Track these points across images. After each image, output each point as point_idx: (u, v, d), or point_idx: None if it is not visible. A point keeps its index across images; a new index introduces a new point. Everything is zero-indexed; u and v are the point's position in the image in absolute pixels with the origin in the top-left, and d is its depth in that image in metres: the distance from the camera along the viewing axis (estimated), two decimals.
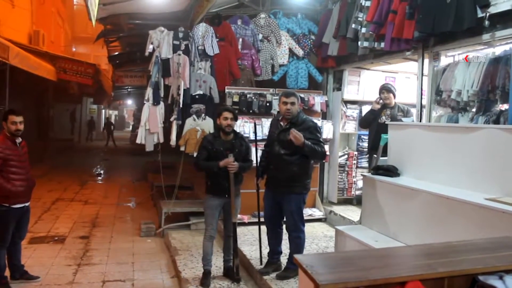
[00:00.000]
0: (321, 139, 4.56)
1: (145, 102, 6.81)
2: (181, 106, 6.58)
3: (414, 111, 5.79)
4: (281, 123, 4.63)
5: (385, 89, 5.93)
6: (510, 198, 3.24)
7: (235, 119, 4.63)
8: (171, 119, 6.70)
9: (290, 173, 4.48)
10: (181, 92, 6.51)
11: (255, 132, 5.34)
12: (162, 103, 6.83)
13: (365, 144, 7.20)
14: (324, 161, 7.11)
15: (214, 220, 4.70)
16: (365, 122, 6.43)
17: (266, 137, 5.87)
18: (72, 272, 5.23)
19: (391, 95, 5.90)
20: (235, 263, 4.77)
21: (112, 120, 32.73)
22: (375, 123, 5.99)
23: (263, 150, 4.95)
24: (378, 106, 6.05)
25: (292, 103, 4.49)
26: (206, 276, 4.69)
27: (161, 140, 6.83)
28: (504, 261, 1.88)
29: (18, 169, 4.41)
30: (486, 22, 4.32)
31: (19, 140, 4.48)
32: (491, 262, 1.87)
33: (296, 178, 4.51)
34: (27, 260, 5.25)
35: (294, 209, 4.55)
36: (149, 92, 6.75)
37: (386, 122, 5.44)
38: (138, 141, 6.90)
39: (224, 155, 4.54)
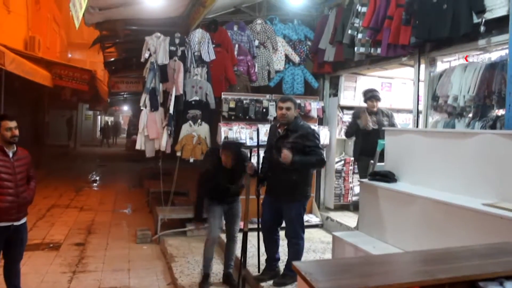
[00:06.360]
0: (319, 145, 4.53)
1: (142, 108, 6.80)
2: (171, 112, 6.55)
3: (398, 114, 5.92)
4: (279, 130, 4.60)
5: (374, 98, 5.95)
6: (507, 203, 3.23)
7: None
8: (162, 125, 6.68)
9: (289, 181, 4.44)
10: (173, 98, 6.50)
11: (258, 138, 5.31)
12: (161, 109, 6.82)
13: None
14: None
15: (213, 223, 4.71)
16: (347, 134, 6.54)
17: (264, 143, 5.87)
18: (67, 280, 5.19)
19: (378, 103, 5.97)
20: (242, 273, 4.63)
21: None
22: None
23: (263, 157, 4.92)
24: (370, 127, 5.89)
25: (288, 108, 4.46)
26: (205, 279, 4.70)
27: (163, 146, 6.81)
28: (504, 267, 1.86)
29: (6, 182, 3.91)
30: (482, 28, 4.34)
31: (13, 149, 4.01)
32: (491, 268, 1.86)
33: (295, 186, 4.47)
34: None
35: (294, 216, 4.52)
36: (144, 98, 6.74)
37: (373, 127, 5.65)
38: (137, 147, 6.94)
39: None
